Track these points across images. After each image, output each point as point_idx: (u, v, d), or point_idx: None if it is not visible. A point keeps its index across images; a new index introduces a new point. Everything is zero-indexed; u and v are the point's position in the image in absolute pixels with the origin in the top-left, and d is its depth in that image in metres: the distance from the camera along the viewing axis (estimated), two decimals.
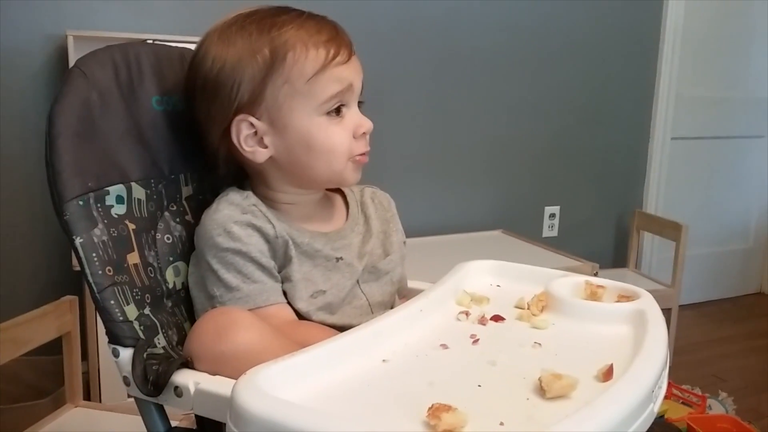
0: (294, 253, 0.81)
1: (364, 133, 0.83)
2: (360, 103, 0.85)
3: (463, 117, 2.46)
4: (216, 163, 0.85)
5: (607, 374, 0.61)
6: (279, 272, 0.81)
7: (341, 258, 0.85)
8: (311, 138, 0.81)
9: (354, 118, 0.83)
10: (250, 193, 0.83)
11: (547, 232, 2.70)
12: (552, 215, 2.71)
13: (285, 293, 0.81)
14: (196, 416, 0.77)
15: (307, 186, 0.86)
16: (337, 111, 0.81)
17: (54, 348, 1.35)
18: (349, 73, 0.81)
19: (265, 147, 0.82)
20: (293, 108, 0.80)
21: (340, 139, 0.82)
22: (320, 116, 0.80)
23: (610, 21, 2.67)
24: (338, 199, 0.93)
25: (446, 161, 2.46)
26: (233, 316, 0.71)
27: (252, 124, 0.80)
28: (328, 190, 0.91)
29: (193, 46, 0.92)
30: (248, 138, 0.81)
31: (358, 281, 0.86)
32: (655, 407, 0.59)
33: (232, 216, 0.79)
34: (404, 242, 0.95)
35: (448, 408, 0.52)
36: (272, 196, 0.85)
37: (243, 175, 0.88)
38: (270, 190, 0.85)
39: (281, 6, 0.83)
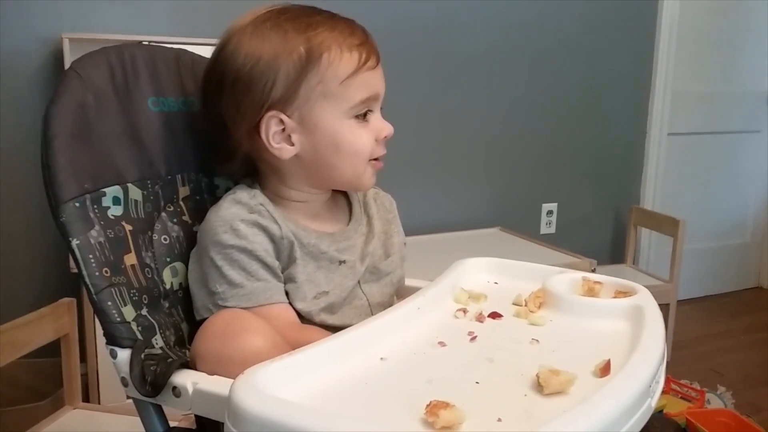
0: (299, 254, 0.81)
1: (385, 137, 0.85)
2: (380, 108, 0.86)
3: (460, 114, 2.46)
4: (231, 159, 0.85)
5: (605, 370, 0.61)
6: (282, 272, 0.81)
7: (344, 261, 0.85)
8: (340, 139, 0.81)
9: (377, 122, 0.84)
10: (257, 192, 0.83)
11: (544, 229, 2.71)
12: (549, 212, 2.72)
13: (287, 294, 0.81)
14: (196, 416, 0.77)
15: (326, 186, 0.87)
16: (364, 115, 0.83)
17: (52, 350, 1.35)
18: (377, 80, 0.83)
19: (292, 145, 0.82)
20: (325, 108, 0.80)
21: (365, 141, 0.83)
22: (350, 119, 0.81)
23: (606, 17, 2.67)
24: (342, 198, 0.93)
25: (444, 159, 2.47)
26: (245, 322, 0.71)
27: (282, 121, 0.80)
28: (334, 190, 0.91)
29: (188, 48, 0.93)
30: (276, 135, 0.81)
31: (359, 282, 0.86)
32: (653, 402, 0.59)
33: (239, 214, 0.79)
34: (404, 243, 0.95)
35: (446, 405, 0.52)
36: (285, 193, 0.85)
37: (254, 172, 0.87)
38: (284, 187, 0.85)
39: (310, 6, 0.84)
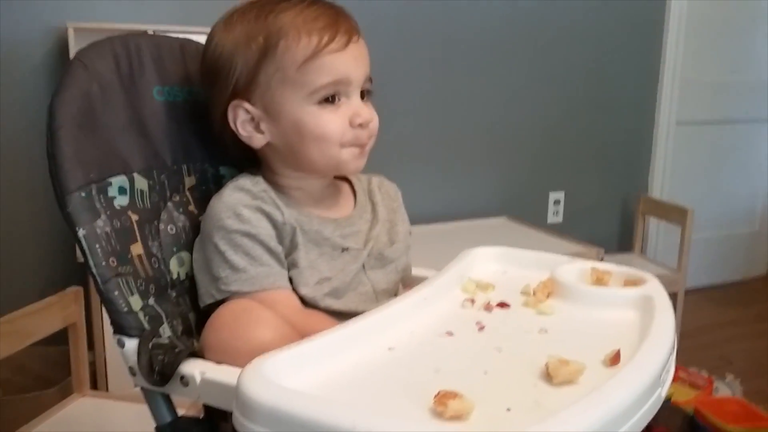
0: (301, 240, 0.81)
1: (360, 124, 0.81)
2: (367, 93, 0.84)
3: (466, 103, 2.45)
4: (227, 147, 0.86)
5: (614, 359, 0.61)
6: (285, 258, 0.81)
7: (347, 249, 0.85)
8: (302, 125, 0.80)
9: (352, 106, 0.81)
10: (260, 179, 0.83)
11: (551, 218, 2.70)
12: (557, 201, 2.71)
13: (291, 280, 0.80)
14: (204, 405, 0.77)
15: (308, 172, 0.85)
16: (331, 100, 0.80)
17: (61, 338, 1.36)
18: (343, 63, 0.79)
19: (262, 133, 0.82)
20: (285, 96, 0.79)
21: (333, 126, 0.80)
22: (312, 105, 0.79)
23: (615, 5, 2.65)
24: (345, 186, 0.93)
25: (450, 148, 2.46)
26: (255, 313, 0.71)
27: (248, 110, 0.81)
28: (335, 177, 0.91)
29: (194, 37, 0.93)
30: (245, 123, 0.82)
31: (364, 267, 0.86)
32: (663, 392, 0.59)
33: (242, 200, 0.79)
34: (410, 232, 0.94)
35: (454, 395, 0.52)
36: (278, 180, 0.85)
37: (256, 160, 0.87)
38: (275, 174, 0.85)
39: None
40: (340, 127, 0.80)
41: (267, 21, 0.78)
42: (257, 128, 0.82)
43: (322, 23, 0.78)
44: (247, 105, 0.80)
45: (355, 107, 0.81)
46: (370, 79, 0.84)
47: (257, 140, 0.82)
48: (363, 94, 0.83)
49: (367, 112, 0.82)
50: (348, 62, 0.80)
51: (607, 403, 0.51)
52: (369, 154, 0.86)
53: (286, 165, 0.84)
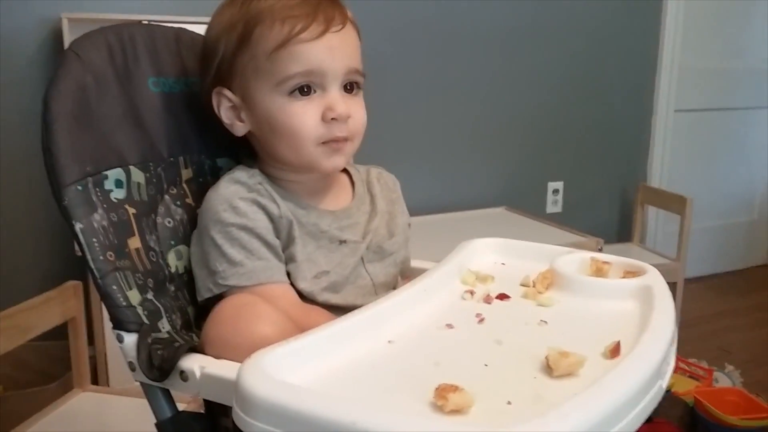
0: (298, 233, 0.80)
1: (334, 118, 0.78)
2: (353, 85, 0.81)
3: (464, 94, 2.44)
4: (223, 138, 0.86)
5: (615, 351, 0.60)
6: (282, 252, 0.80)
7: (345, 241, 0.84)
8: (272, 117, 0.79)
9: (326, 99, 0.78)
10: (256, 171, 0.82)
11: (551, 208, 2.69)
12: (555, 191, 2.70)
13: (288, 274, 0.80)
14: (205, 399, 0.77)
15: (288, 165, 0.83)
16: (305, 92, 0.78)
17: (61, 333, 1.35)
18: (316, 53, 0.76)
19: (242, 121, 0.82)
20: (258, 85, 0.78)
21: (302, 120, 0.77)
22: (283, 95, 0.77)
23: None
24: (344, 177, 0.92)
25: (448, 139, 2.45)
26: (257, 308, 0.71)
27: (229, 98, 0.81)
28: None
29: (189, 27, 0.92)
30: (228, 110, 0.82)
31: (362, 260, 0.85)
32: (664, 383, 0.58)
33: (238, 192, 0.78)
34: (409, 225, 0.94)
35: (455, 388, 0.51)
36: (274, 173, 0.84)
37: (252, 152, 0.87)
38: (270, 166, 0.84)
39: None
40: (312, 121, 0.78)
41: (249, 7, 0.78)
42: (238, 117, 0.82)
43: (300, 11, 0.76)
44: (227, 92, 0.81)
45: (329, 100, 0.78)
46: (359, 72, 0.81)
47: (238, 128, 0.82)
48: (351, 89, 0.81)
49: (343, 107, 0.78)
50: (322, 52, 0.77)
51: (608, 396, 0.50)
52: (362, 148, 0.84)
53: (270, 156, 0.84)
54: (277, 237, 0.80)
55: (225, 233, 0.77)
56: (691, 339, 2.39)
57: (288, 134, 0.79)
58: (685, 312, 2.48)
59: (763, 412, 1.74)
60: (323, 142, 0.79)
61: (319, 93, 0.78)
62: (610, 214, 2.85)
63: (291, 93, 0.78)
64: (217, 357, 0.68)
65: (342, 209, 0.87)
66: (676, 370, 1.99)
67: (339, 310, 0.78)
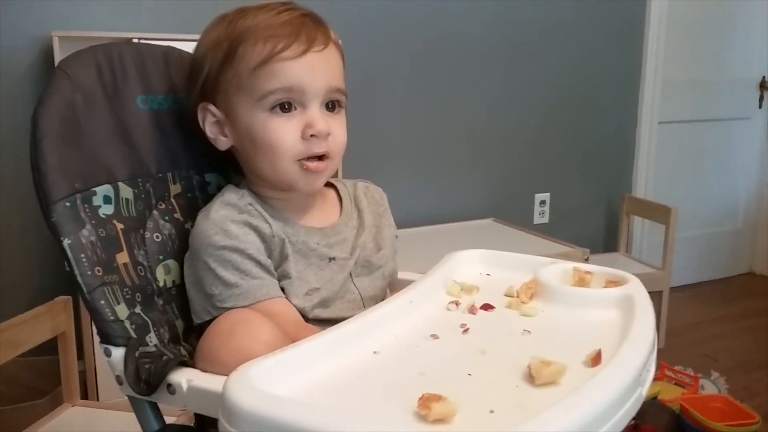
0: (290, 251, 0.81)
1: (313, 135, 0.79)
2: (334, 104, 0.82)
3: (451, 106, 2.46)
4: (211, 154, 0.87)
5: (596, 359, 0.62)
6: (276, 269, 0.81)
7: (334, 258, 0.85)
8: (253, 132, 0.80)
9: (306, 117, 0.79)
10: (245, 192, 0.83)
11: (538, 219, 2.71)
12: (542, 202, 2.72)
13: (283, 290, 0.81)
14: (195, 412, 0.78)
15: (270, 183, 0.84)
16: (286, 108, 0.79)
17: (50, 348, 1.35)
18: (296, 71, 0.77)
19: (226, 136, 0.83)
20: (239, 101, 0.80)
21: (281, 136, 0.78)
22: (263, 111, 0.79)
23: (595, 5, 2.67)
24: (331, 193, 0.92)
25: (436, 151, 2.47)
26: (251, 326, 0.71)
27: (213, 113, 0.82)
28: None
29: (177, 44, 0.94)
30: (213, 125, 0.83)
31: (351, 275, 0.86)
32: (644, 391, 0.59)
33: (229, 215, 0.79)
34: (396, 237, 0.95)
35: (438, 398, 0.52)
36: (259, 191, 0.85)
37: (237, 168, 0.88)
38: (253, 184, 0.85)
39: (286, 0, 0.83)
40: (291, 137, 0.79)
41: (236, 26, 0.80)
42: (222, 131, 0.83)
43: (283, 31, 0.78)
44: (212, 107, 0.82)
45: (309, 118, 0.79)
46: (340, 92, 0.82)
47: (222, 143, 0.84)
48: (333, 107, 0.82)
49: (323, 124, 0.79)
50: (302, 70, 0.78)
51: (588, 403, 0.51)
52: (351, 160, 0.85)
53: (251, 173, 0.85)
54: (270, 256, 0.80)
55: (217, 257, 0.77)
56: (677, 347, 2.41)
57: (267, 149, 0.80)
58: (670, 320, 2.50)
59: (748, 419, 1.76)
60: (302, 159, 0.80)
61: (299, 110, 0.80)
62: (596, 224, 2.88)
63: (272, 109, 0.79)
64: (208, 371, 0.69)
65: (330, 225, 0.88)
66: (662, 377, 2.01)
67: (328, 324, 0.78)
